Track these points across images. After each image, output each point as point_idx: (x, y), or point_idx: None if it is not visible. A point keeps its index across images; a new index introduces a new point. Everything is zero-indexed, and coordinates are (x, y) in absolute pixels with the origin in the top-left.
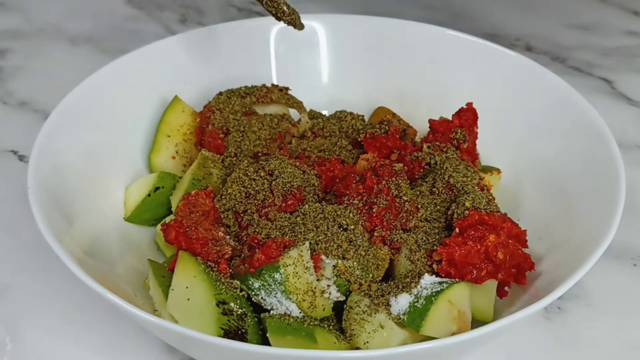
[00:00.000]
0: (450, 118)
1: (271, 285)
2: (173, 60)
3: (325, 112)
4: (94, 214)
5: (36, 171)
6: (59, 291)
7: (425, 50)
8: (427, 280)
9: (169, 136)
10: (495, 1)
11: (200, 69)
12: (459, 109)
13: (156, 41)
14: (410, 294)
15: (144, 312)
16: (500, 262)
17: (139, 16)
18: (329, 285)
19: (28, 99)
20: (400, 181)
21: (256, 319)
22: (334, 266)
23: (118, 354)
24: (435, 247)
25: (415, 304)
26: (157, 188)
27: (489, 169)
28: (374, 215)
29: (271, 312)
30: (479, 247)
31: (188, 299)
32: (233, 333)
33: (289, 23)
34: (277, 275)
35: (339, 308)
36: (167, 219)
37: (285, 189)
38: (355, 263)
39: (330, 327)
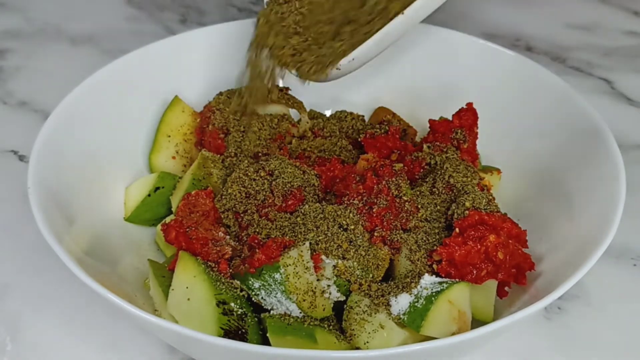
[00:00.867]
0: (450, 118)
1: (271, 285)
2: (173, 61)
3: (327, 112)
4: (94, 214)
5: (36, 171)
6: (59, 291)
7: (425, 50)
8: (427, 280)
9: (169, 136)
10: (496, 1)
11: (200, 69)
12: (459, 109)
13: (156, 41)
14: (410, 294)
15: (144, 312)
16: (500, 262)
17: (139, 16)
18: (329, 285)
19: (28, 99)
20: (400, 181)
21: (256, 319)
22: (334, 266)
23: (118, 354)
24: (435, 247)
25: (416, 304)
26: (157, 188)
27: (489, 169)
28: (374, 215)
29: (271, 312)
30: (479, 247)
31: (188, 299)
32: (233, 333)
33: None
34: (277, 275)
35: (339, 308)
36: (167, 219)
37: (285, 189)
38: (355, 263)
39: (331, 327)
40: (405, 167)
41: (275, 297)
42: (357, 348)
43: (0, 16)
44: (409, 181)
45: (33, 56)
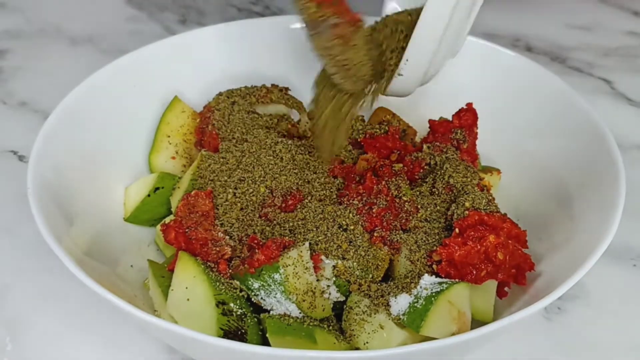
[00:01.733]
0: (450, 118)
1: (271, 285)
2: (173, 61)
3: None
4: (94, 214)
5: (36, 171)
6: (58, 292)
7: None
8: (427, 280)
9: (169, 136)
10: (496, 2)
11: (200, 69)
12: (459, 110)
13: (156, 42)
14: (410, 295)
15: (143, 312)
16: (500, 262)
17: (139, 17)
18: (328, 286)
19: (28, 99)
20: (400, 182)
21: (256, 320)
22: (334, 266)
23: (118, 354)
24: (435, 248)
25: (415, 304)
26: (157, 188)
27: (489, 169)
28: (374, 215)
29: (271, 312)
30: (478, 247)
31: (188, 300)
32: (233, 333)
33: None
34: (276, 276)
35: (338, 308)
36: (167, 219)
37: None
38: (355, 263)
39: (330, 327)
40: (405, 168)
41: (274, 297)
42: (357, 348)
43: (1, 16)
44: (408, 181)
45: (33, 56)
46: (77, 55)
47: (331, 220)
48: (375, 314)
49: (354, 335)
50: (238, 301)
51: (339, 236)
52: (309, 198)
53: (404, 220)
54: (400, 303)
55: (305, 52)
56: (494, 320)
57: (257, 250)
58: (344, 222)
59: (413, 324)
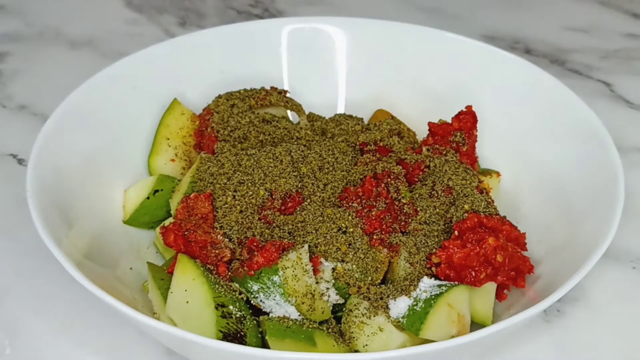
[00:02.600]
0: (449, 121)
1: (270, 288)
2: (172, 64)
3: (326, 115)
4: (93, 217)
5: (35, 175)
6: (58, 294)
7: (424, 52)
8: (426, 283)
9: (169, 139)
10: (494, 4)
11: (199, 72)
12: (459, 112)
13: (155, 44)
14: (409, 297)
15: (143, 315)
16: (499, 264)
17: (138, 19)
18: (328, 288)
19: (27, 102)
20: (399, 184)
21: (255, 322)
22: (333, 269)
23: (117, 357)
24: (434, 250)
25: (415, 307)
26: (156, 191)
27: (488, 172)
28: (373, 218)
29: (270, 315)
30: (477, 249)
31: (187, 302)
32: (232, 336)
33: None
34: (275, 278)
35: (338, 311)
36: (166, 222)
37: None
38: (354, 266)
39: (330, 330)
40: (404, 170)
41: (274, 299)
42: (356, 351)
43: (0, 19)
44: (407, 184)
45: (32, 59)
46: (76, 58)
47: (330, 223)
48: (374, 316)
49: (354, 337)
50: (237, 304)
51: (338, 239)
52: (308, 200)
53: (402, 223)
54: (400, 306)
55: (305, 55)
56: (494, 322)
57: (256, 253)
58: (343, 225)
59: (412, 326)
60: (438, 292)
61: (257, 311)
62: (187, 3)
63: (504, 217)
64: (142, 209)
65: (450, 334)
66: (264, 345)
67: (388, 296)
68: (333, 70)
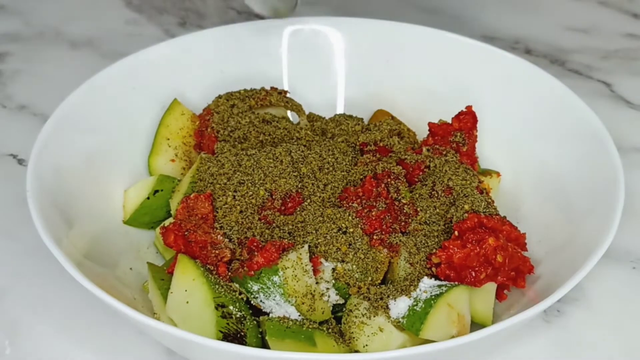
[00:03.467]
0: (449, 121)
1: (270, 288)
2: (172, 64)
3: (327, 115)
4: (93, 217)
5: (35, 175)
6: (57, 295)
7: (424, 53)
8: (426, 283)
9: (169, 139)
10: (495, 4)
11: (199, 72)
12: (459, 112)
13: (155, 44)
14: (409, 298)
15: (142, 315)
16: (499, 265)
17: (138, 19)
18: (328, 289)
19: (27, 102)
20: (399, 184)
21: (255, 322)
22: (333, 269)
23: (117, 357)
24: (434, 250)
25: (415, 307)
26: (157, 191)
27: (488, 172)
28: (373, 218)
29: (270, 315)
30: (478, 250)
31: (187, 302)
32: (232, 336)
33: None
34: (275, 278)
35: (338, 311)
36: (166, 222)
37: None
38: (354, 266)
39: (330, 330)
40: (405, 170)
41: (274, 300)
42: (357, 351)
43: (0, 19)
44: (408, 184)
45: (32, 60)
46: (76, 58)
47: (330, 223)
48: (374, 316)
49: (354, 338)
50: (237, 304)
51: (338, 239)
52: (309, 201)
53: (402, 223)
54: (400, 306)
55: (305, 55)
56: (494, 323)
57: (256, 253)
58: (343, 225)
59: (412, 327)
60: (438, 293)
61: (257, 311)
62: (187, 3)
63: (504, 217)
64: (142, 209)
65: (450, 334)
66: (264, 345)
67: (388, 296)
68: (333, 70)
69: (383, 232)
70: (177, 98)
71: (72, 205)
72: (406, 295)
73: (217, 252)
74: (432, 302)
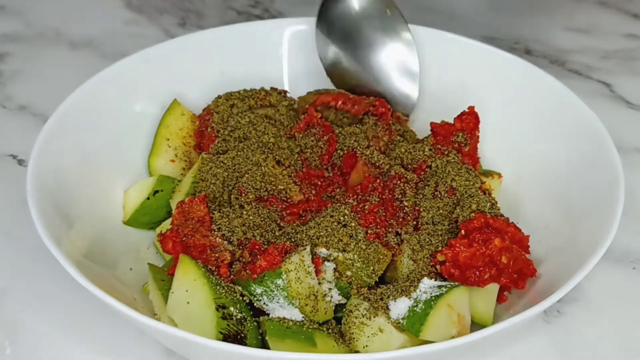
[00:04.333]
0: (450, 121)
1: (274, 291)
2: (172, 64)
3: None
4: (93, 218)
5: (35, 175)
6: (58, 295)
7: (424, 53)
8: (426, 284)
9: (169, 139)
10: (494, 4)
11: (199, 72)
12: (461, 113)
13: (155, 45)
14: (409, 298)
15: (142, 315)
16: (504, 266)
17: (138, 20)
18: (330, 289)
19: (27, 103)
20: (407, 188)
21: (255, 324)
22: (335, 269)
23: (117, 357)
24: (439, 248)
25: (415, 308)
26: (157, 191)
27: (489, 173)
28: (366, 212)
29: (270, 315)
30: (484, 250)
31: (188, 303)
32: (232, 337)
33: None
34: (279, 282)
35: (338, 312)
36: (163, 227)
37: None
38: (355, 256)
39: (330, 330)
40: (417, 178)
41: (277, 302)
42: (357, 352)
43: (0, 20)
44: (415, 190)
45: (32, 60)
46: (76, 58)
47: (329, 217)
48: (374, 317)
49: (354, 338)
50: (238, 305)
51: (339, 230)
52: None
53: (401, 220)
54: (400, 307)
55: (305, 55)
56: (494, 323)
57: (259, 257)
58: (342, 218)
59: (412, 328)
60: (438, 293)
61: (257, 312)
62: (187, 4)
63: (507, 218)
64: (142, 209)
65: (450, 335)
66: (265, 347)
67: (388, 297)
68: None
69: (378, 227)
70: (177, 98)
71: (72, 205)
72: (406, 296)
73: (216, 255)
74: (432, 303)
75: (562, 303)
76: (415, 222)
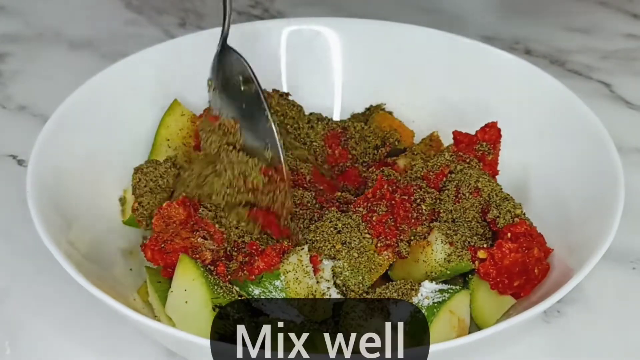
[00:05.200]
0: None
1: (272, 292)
2: (172, 64)
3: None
4: (93, 218)
5: (35, 175)
6: (57, 295)
7: (424, 53)
8: (428, 288)
9: (169, 140)
10: (494, 4)
11: (200, 72)
12: (484, 125)
13: (155, 45)
14: (410, 303)
15: (142, 315)
16: (534, 277)
17: (138, 20)
18: (328, 288)
19: (27, 103)
20: (426, 196)
21: (254, 324)
22: (333, 267)
23: (117, 357)
24: (473, 241)
25: (417, 314)
26: None
27: None
28: (375, 222)
29: (270, 315)
30: (525, 258)
31: (186, 302)
32: (228, 338)
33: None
34: (277, 283)
35: (336, 312)
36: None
37: None
38: (345, 264)
39: (328, 331)
40: (435, 190)
41: (275, 303)
42: (355, 353)
43: (0, 20)
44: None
45: (32, 60)
46: (76, 59)
47: (328, 222)
48: (370, 318)
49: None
50: (235, 305)
51: (334, 237)
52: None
53: (413, 220)
54: (401, 311)
55: (305, 56)
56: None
57: (256, 258)
58: (339, 225)
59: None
60: (440, 299)
61: (255, 312)
62: (187, 4)
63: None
64: None
65: (450, 339)
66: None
67: (387, 299)
68: (332, 71)
69: (388, 237)
70: (177, 99)
71: (71, 205)
72: (407, 300)
73: (197, 256)
74: (434, 310)
75: (562, 303)
76: (431, 222)
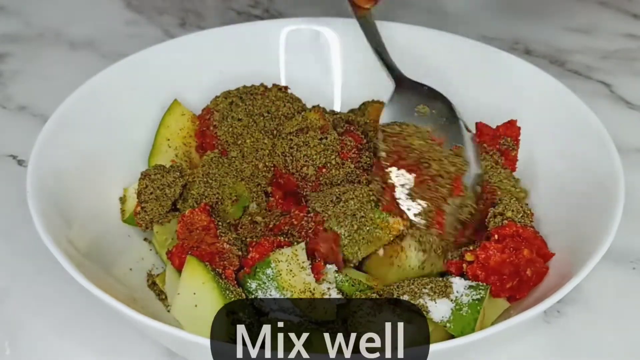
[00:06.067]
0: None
1: (265, 283)
2: (173, 64)
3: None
4: (93, 218)
5: (35, 175)
6: (57, 295)
7: (423, 53)
8: (459, 284)
9: (169, 140)
10: (494, 4)
11: (200, 72)
12: (504, 122)
13: (155, 45)
14: (450, 300)
15: (142, 315)
16: (527, 279)
17: (138, 20)
18: (329, 289)
19: (27, 103)
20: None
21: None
22: (336, 270)
23: (117, 357)
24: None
25: (459, 311)
26: None
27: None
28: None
29: (269, 315)
30: (513, 258)
31: (195, 306)
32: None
33: None
34: (268, 271)
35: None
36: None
37: None
38: (344, 231)
39: (335, 331)
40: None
41: (270, 294)
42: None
43: (0, 20)
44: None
45: (32, 60)
46: (76, 59)
47: (329, 193)
48: (379, 313)
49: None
50: (246, 310)
51: (336, 204)
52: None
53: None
54: (441, 309)
55: (305, 56)
56: (494, 323)
57: (251, 249)
58: (343, 197)
59: (462, 333)
60: (479, 297)
61: (257, 313)
62: (187, 4)
63: (537, 232)
64: None
65: None
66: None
67: (391, 298)
68: (331, 71)
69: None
70: (178, 98)
71: (72, 205)
72: (446, 297)
73: (225, 262)
74: (477, 307)
75: (562, 303)
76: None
